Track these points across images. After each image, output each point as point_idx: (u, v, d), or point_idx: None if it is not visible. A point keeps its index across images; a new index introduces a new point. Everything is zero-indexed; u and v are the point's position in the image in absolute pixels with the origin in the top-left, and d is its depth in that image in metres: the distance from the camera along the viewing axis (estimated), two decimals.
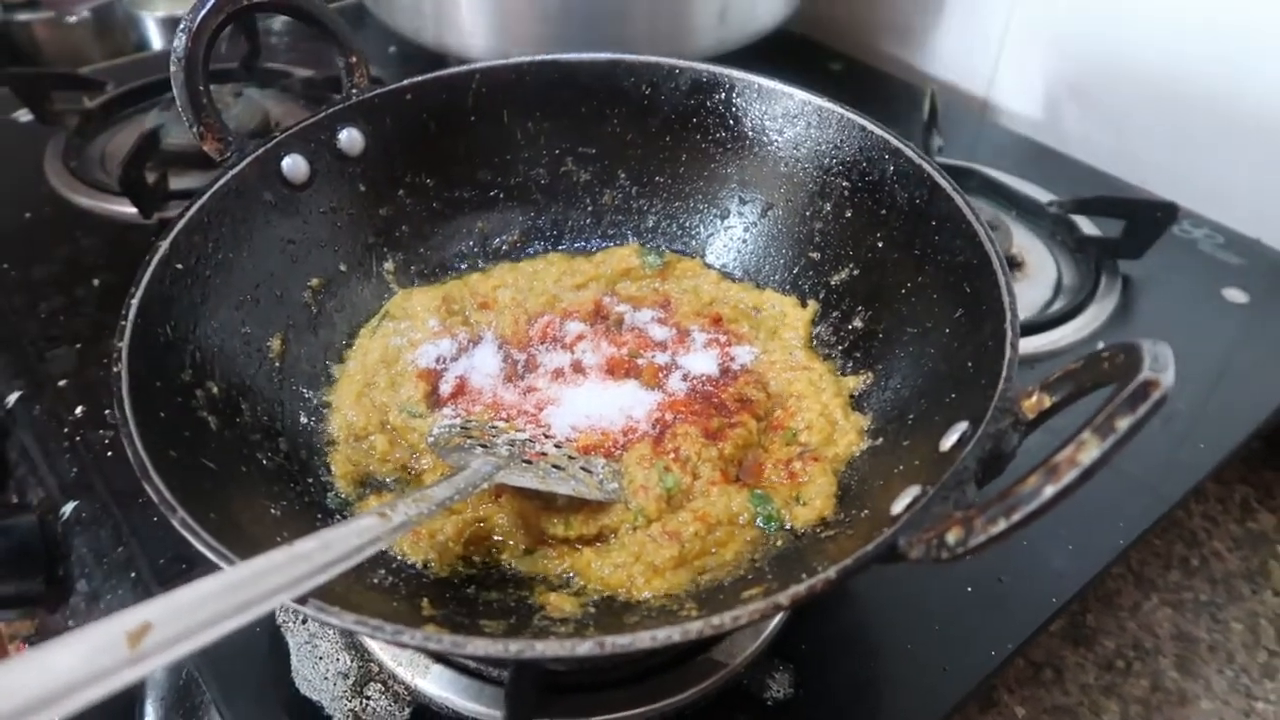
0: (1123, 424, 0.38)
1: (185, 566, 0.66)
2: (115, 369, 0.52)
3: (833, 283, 0.73)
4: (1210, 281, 0.94)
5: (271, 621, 0.63)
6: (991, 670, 0.63)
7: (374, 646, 0.61)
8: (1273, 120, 0.99)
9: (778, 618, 0.63)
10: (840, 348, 0.71)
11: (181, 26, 0.65)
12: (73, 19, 1.39)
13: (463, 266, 0.79)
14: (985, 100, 1.25)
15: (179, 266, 0.60)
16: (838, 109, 0.72)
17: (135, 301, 0.56)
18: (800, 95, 0.74)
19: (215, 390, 0.59)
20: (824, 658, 0.63)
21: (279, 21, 1.38)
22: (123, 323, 0.54)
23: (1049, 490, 0.38)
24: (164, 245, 0.60)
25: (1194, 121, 1.05)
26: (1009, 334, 0.53)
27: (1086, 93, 1.14)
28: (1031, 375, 0.49)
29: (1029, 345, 0.85)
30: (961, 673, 0.62)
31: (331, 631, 0.62)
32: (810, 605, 0.64)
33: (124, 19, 1.43)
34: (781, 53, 1.23)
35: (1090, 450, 0.38)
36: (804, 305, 0.74)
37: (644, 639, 0.41)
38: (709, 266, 0.79)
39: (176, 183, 0.98)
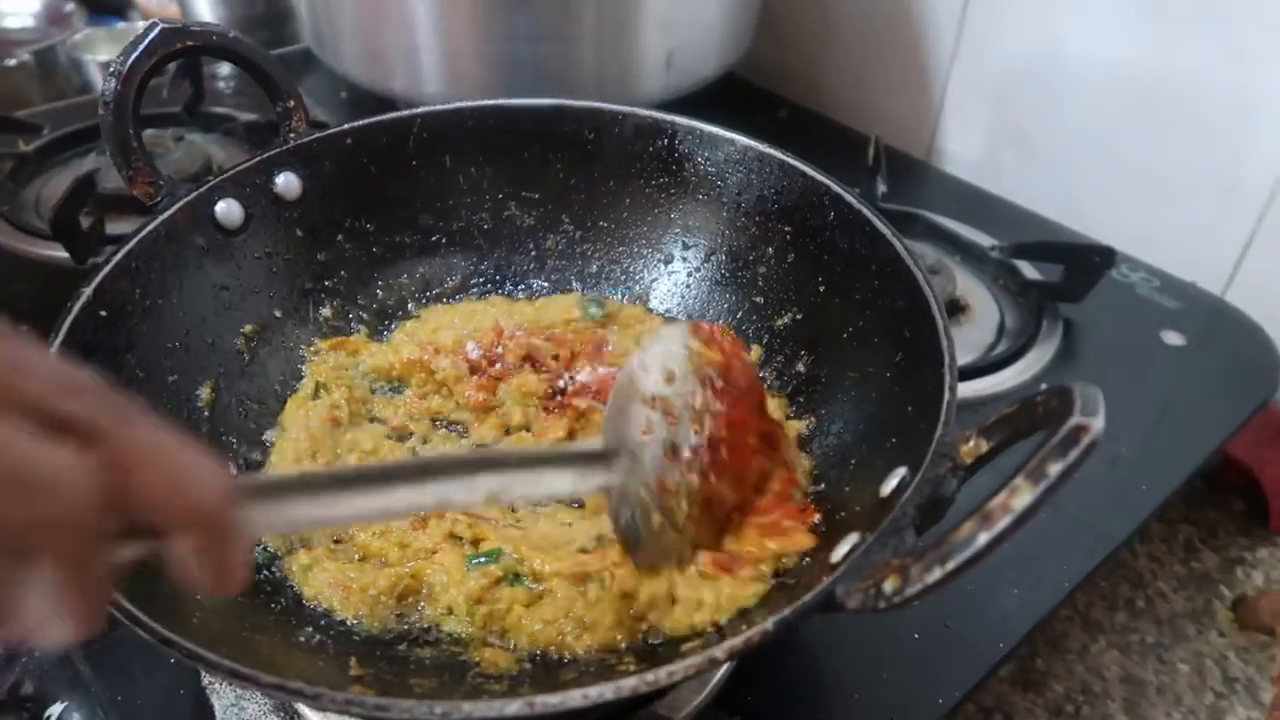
0: (1054, 469, 0.37)
1: (106, 628, 0.63)
2: None
3: (776, 326, 0.73)
4: (1149, 324, 0.96)
5: (196, 683, 0.60)
6: (941, 717, 0.62)
7: (304, 708, 0.58)
8: (1202, 171, 1.02)
9: (723, 669, 0.62)
10: (785, 392, 0.71)
11: (111, 70, 0.64)
12: (12, 62, 1.37)
13: (401, 313, 0.78)
14: (929, 147, 1.27)
15: (103, 313, 0.58)
16: (778, 154, 0.72)
17: (54, 349, 0.54)
18: (742, 141, 0.74)
19: None
20: (772, 709, 0.62)
21: (225, 66, 1.37)
22: None
23: (983, 537, 0.38)
24: (87, 291, 0.58)
25: (1129, 171, 1.08)
26: (947, 378, 0.52)
27: (1025, 142, 1.17)
28: (975, 418, 0.48)
29: (973, 388, 0.86)
30: None
31: (258, 694, 0.59)
32: (755, 656, 0.63)
33: (66, 63, 1.41)
34: (729, 99, 1.25)
35: (1023, 496, 0.37)
36: (748, 350, 0.74)
37: (575, 697, 0.40)
38: (652, 312, 0.79)
39: (114, 228, 0.96)
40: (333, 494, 0.41)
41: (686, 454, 0.50)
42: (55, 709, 0.59)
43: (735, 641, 0.42)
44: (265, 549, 0.60)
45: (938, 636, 0.66)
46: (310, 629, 0.53)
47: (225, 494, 0.31)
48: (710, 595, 0.52)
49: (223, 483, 0.31)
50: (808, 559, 0.55)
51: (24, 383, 0.28)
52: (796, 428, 0.67)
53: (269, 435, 0.67)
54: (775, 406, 0.69)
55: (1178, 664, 0.83)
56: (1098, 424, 0.38)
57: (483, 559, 0.57)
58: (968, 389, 0.85)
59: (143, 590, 0.44)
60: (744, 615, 0.52)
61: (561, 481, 0.48)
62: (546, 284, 0.81)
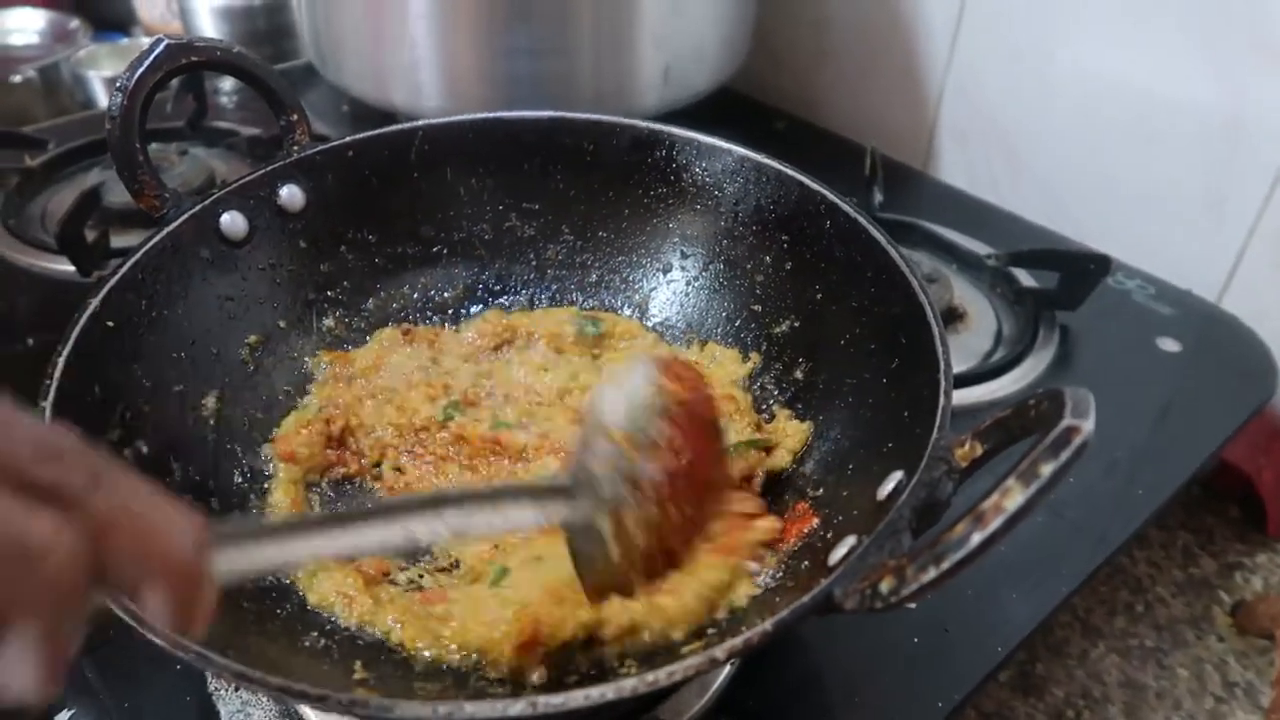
0: (1046, 470, 0.38)
1: (112, 633, 0.63)
2: None
3: (774, 334, 0.74)
4: (1144, 331, 0.97)
5: (202, 688, 0.61)
6: None
7: (311, 713, 0.59)
8: (1195, 178, 1.03)
9: (724, 672, 0.62)
10: (782, 399, 0.71)
11: (117, 85, 0.65)
12: (17, 78, 1.38)
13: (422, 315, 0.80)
14: (925, 157, 1.28)
15: (110, 324, 0.59)
16: (775, 165, 0.73)
17: (61, 360, 0.55)
18: (739, 151, 0.75)
19: (145, 450, 0.58)
20: (773, 712, 0.62)
21: (228, 81, 1.38)
22: (47, 382, 0.53)
23: (976, 537, 0.38)
24: (94, 302, 0.59)
25: (1123, 180, 1.09)
26: (943, 383, 0.53)
27: (1018, 153, 1.18)
28: (973, 424, 0.49)
29: (971, 395, 0.86)
30: None
31: (265, 698, 0.60)
32: (757, 658, 0.64)
33: (70, 78, 1.42)
34: (726, 112, 1.26)
35: (1015, 497, 0.38)
36: (746, 358, 0.74)
37: (577, 698, 0.40)
38: (647, 328, 0.79)
39: (118, 240, 0.97)
40: (300, 537, 0.42)
41: (645, 486, 0.51)
42: (63, 715, 0.59)
43: (735, 642, 0.42)
44: None
45: (937, 641, 0.67)
46: (315, 633, 0.54)
47: (197, 546, 0.32)
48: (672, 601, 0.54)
49: (195, 536, 0.32)
50: (806, 562, 0.55)
51: (4, 447, 0.28)
52: (802, 429, 0.68)
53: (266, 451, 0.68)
54: (783, 418, 0.70)
55: (1177, 669, 0.84)
56: (1088, 425, 0.39)
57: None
58: (965, 396, 0.86)
59: None
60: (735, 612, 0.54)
61: (524, 514, 0.49)
62: (546, 294, 0.82)
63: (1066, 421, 0.40)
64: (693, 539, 0.55)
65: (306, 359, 0.73)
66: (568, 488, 0.50)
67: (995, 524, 0.38)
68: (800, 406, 0.70)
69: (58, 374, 0.54)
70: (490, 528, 0.48)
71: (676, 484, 0.52)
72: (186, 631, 0.34)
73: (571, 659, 0.55)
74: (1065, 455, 0.39)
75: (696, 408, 0.54)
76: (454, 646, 0.54)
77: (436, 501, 0.46)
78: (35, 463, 0.29)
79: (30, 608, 0.28)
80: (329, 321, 0.75)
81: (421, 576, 0.61)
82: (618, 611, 0.54)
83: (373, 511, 0.44)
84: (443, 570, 0.62)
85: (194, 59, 0.69)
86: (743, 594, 0.56)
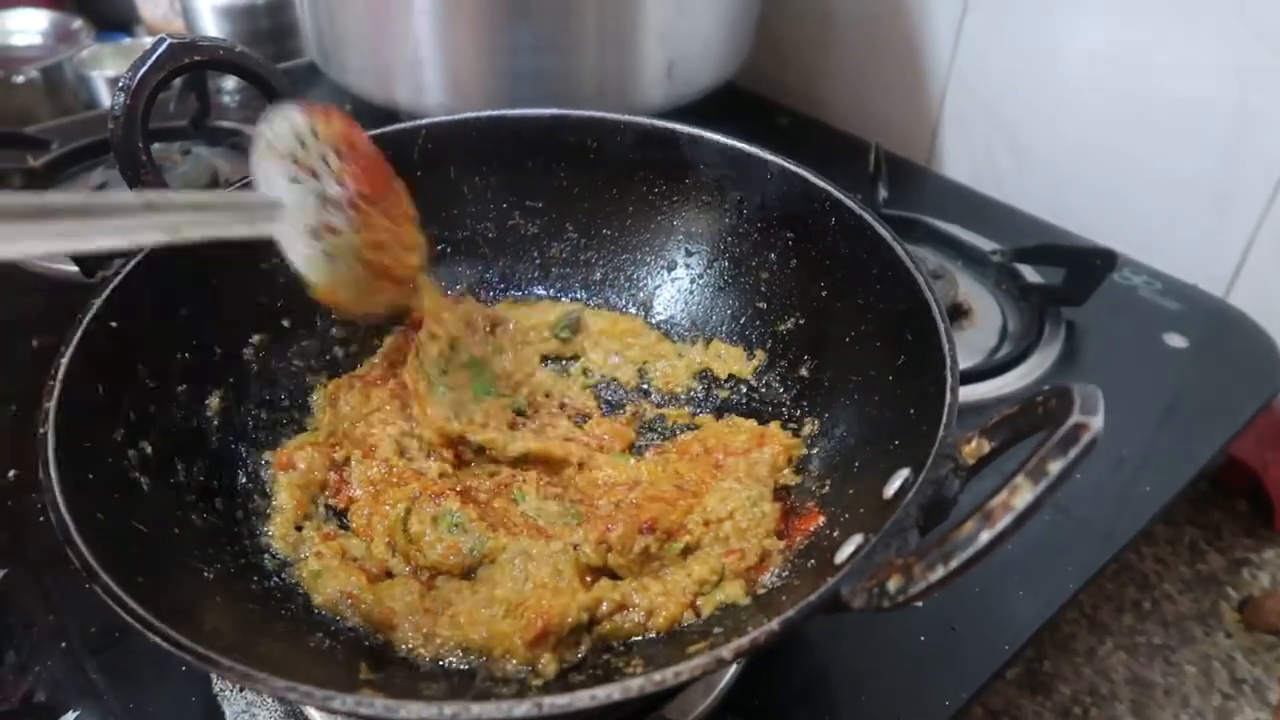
0: (1055, 467, 0.38)
1: (117, 635, 0.64)
2: (41, 430, 0.50)
3: (779, 331, 0.73)
4: (1151, 327, 0.96)
5: (207, 690, 0.60)
6: None
7: (316, 715, 0.59)
8: (1202, 174, 1.02)
9: (731, 672, 0.62)
10: (788, 396, 0.71)
11: (120, 85, 0.64)
12: (20, 79, 1.38)
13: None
14: (930, 153, 1.28)
15: (113, 324, 0.59)
16: (780, 161, 0.73)
17: (65, 361, 0.55)
18: (743, 148, 0.75)
19: (149, 450, 0.58)
20: (779, 711, 0.62)
21: (231, 80, 1.38)
22: (51, 382, 0.53)
23: (985, 536, 0.38)
24: (97, 303, 0.58)
25: (1129, 174, 1.08)
26: (949, 380, 0.53)
27: (1024, 147, 1.17)
28: (979, 421, 0.49)
29: (977, 391, 0.86)
30: None
31: (270, 699, 0.60)
32: (763, 658, 0.64)
33: (73, 79, 1.42)
34: (730, 108, 1.25)
35: (1024, 494, 0.38)
36: (751, 355, 0.74)
37: (583, 698, 0.40)
38: (653, 326, 0.79)
39: None
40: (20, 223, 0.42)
41: (340, 200, 0.58)
42: (68, 717, 0.59)
43: (741, 641, 0.42)
44: (274, 555, 0.60)
45: (944, 639, 0.66)
46: (320, 634, 0.54)
47: None
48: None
49: None
50: (812, 561, 0.55)
51: None
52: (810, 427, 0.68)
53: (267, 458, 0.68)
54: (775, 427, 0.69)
55: (1185, 665, 0.83)
56: (1097, 422, 0.39)
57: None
58: (971, 392, 0.85)
59: (155, 596, 0.44)
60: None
61: (234, 228, 0.54)
62: (550, 292, 0.81)
63: (1075, 418, 0.39)
64: (402, 257, 0.63)
65: (312, 362, 0.73)
66: (270, 204, 0.57)
67: (1004, 522, 0.38)
68: (805, 404, 0.69)
69: (61, 374, 0.54)
70: (198, 235, 0.50)
71: (366, 204, 0.59)
72: None
73: (579, 640, 0.55)
74: (1074, 452, 0.38)
75: (357, 142, 0.61)
76: (458, 646, 0.54)
77: (152, 204, 0.48)
78: None
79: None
80: (334, 320, 0.75)
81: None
82: (608, 589, 0.57)
83: (75, 203, 0.45)
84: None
85: (196, 58, 0.68)
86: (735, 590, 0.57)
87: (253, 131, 0.59)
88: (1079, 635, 0.85)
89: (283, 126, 0.58)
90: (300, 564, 0.59)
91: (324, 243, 0.58)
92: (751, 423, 0.70)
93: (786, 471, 0.66)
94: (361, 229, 0.60)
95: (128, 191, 0.55)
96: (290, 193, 0.58)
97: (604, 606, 0.56)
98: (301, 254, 0.58)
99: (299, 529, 0.62)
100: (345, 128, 0.60)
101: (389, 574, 0.61)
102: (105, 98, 1.43)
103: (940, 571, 0.39)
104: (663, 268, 0.80)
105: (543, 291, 0.82)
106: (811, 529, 0.59)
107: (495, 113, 0.78)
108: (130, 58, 0.67)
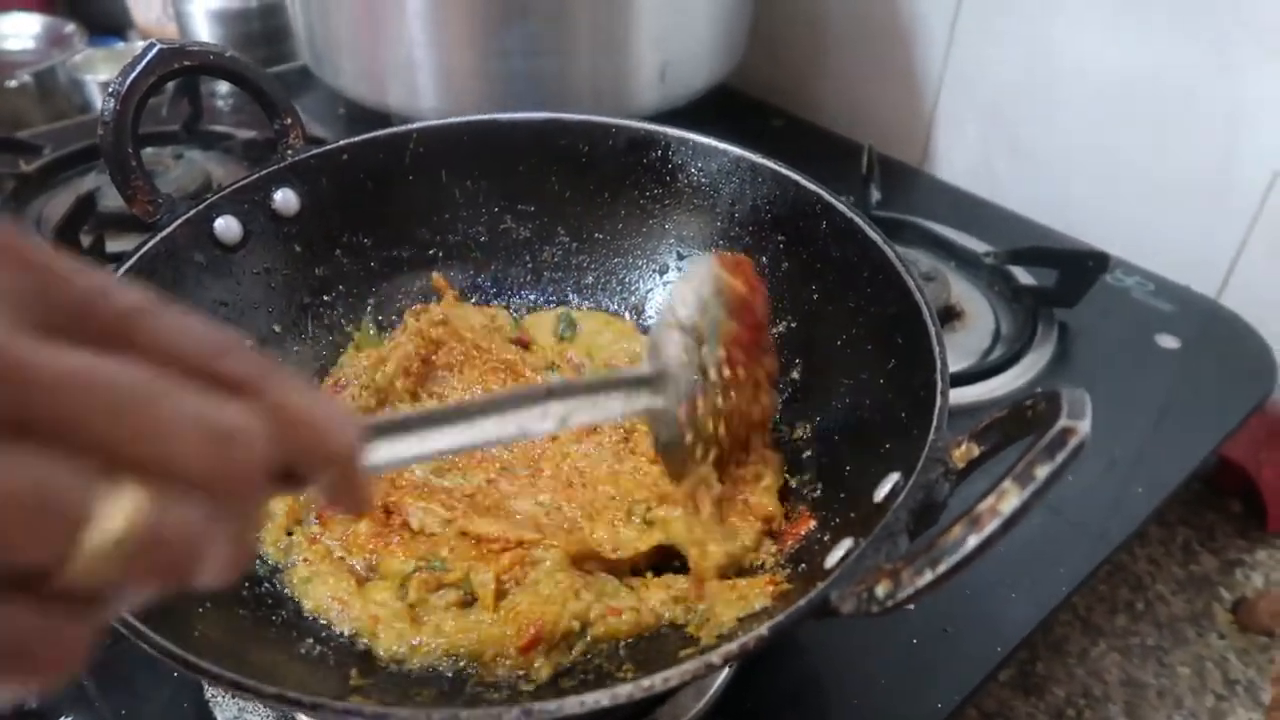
0: (1042, 472, 0.38)
1: (108, 642, 0.63)
2: None
3: (772, 334, 0.73)
4: (1143, 328, 0.96)
5: (199, 696, 0.60)
6: None
7: None
8: (1195, 174, 1.02)
9: (722, 676, 0.62)
10: (780, 400, 0.71)
11: (110, 90, 0.65)
12: (13, 83, 1.38)
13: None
14: (923, 154, 1.28)
15: None
16: (771, 165, 0.73)
17: None
18: (734, 151, 0.75)
19: None
20: (770, 715, 0.62)
21: (223, 85, 1.38)
22: None
23: (972, 540, 0.38)
24: None
25: (1121, 175, 1.08)
26: (939, 383, 0.53)
27: (1018, 148, 1.17)
28: (971, 424, 0.49)
29: (970, 393, 0.86)
30: None
31: (262, 706, 0.60)
32: (754, 661, 0.64)
33: (66, 83, 1.42)
34: (724, 110, 1.26)
35: (1011, 499, 0.38)
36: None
37: (573, 704, 0.40)
38: (643, 329, 0.79)
39: (114, 245, 0.97)
40: (430, 429, 0.43)
41: (713, 375, 0.55)
42: None
43: (731, 647, 0.42)
44: (265, 562, 0.60)
45: (937, 641, 0.67)
46: (311, 640, 0.54)
47: (358, 437, 0.33)
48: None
49: (356, 427, 0.34)
50: (803, 565, 0.55)
51: (188, 344, 0.29)
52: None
53: None
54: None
55: (1178, 667, 0.83)
56: (1084, 427, 0.39)
57: None
58: (964, 394, 0.86)
59: (145, 605, 0.44)
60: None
61: (614, 405, 0.53)
62: (542, 296, 0.81)
63: (1063, 422, 0.39)
64: (754, 424, 0.60)
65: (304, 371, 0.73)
66: (650, 378, 0.54)
67: (991, 527, 0.38)
68: (796, 407, 0.69)
69: None
70: (589, 417, 0.50)
71: (736, 370, 0.57)
72: (357, 510, 0.35)
73: (571, 646, 0.55)
74: (1061, 457, 0.38)
75: (755, 303, 0.59)
76: (446, 653, 0.54)
77: (545, 393, 0.48)
78: (215, 358, 0.29)
79: (228, 490, 0.28)
80: (324, 325, 0.75)
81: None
82: (598, 596, 0.57)
83: (490, 404, 0.46)
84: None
85: (187, 63, 0.69)
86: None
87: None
88: (1072, 636, 0.85)
89: (692, 282, 0.57)
90: (290, 570, 0.59)
91: (687, 420, 0.55)
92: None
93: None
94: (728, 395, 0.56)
95: (530, 387, 0.50)
96: (678, 367, 0.55)
97: (594, 612, 0.56)
98: (664, 438, 0.55)
99: (289, 534, 0.62)
100: (750, 286, 0.58)
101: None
102: (99, 102, 1.43)
103: (928, 576, 0.39)
104: (655, 271, 0.80)
105: (534, 296, 0.82)
106: (803, 533, 0.59)
107: (487, 116, 0.78)
108: (123, 62, 0.67)
